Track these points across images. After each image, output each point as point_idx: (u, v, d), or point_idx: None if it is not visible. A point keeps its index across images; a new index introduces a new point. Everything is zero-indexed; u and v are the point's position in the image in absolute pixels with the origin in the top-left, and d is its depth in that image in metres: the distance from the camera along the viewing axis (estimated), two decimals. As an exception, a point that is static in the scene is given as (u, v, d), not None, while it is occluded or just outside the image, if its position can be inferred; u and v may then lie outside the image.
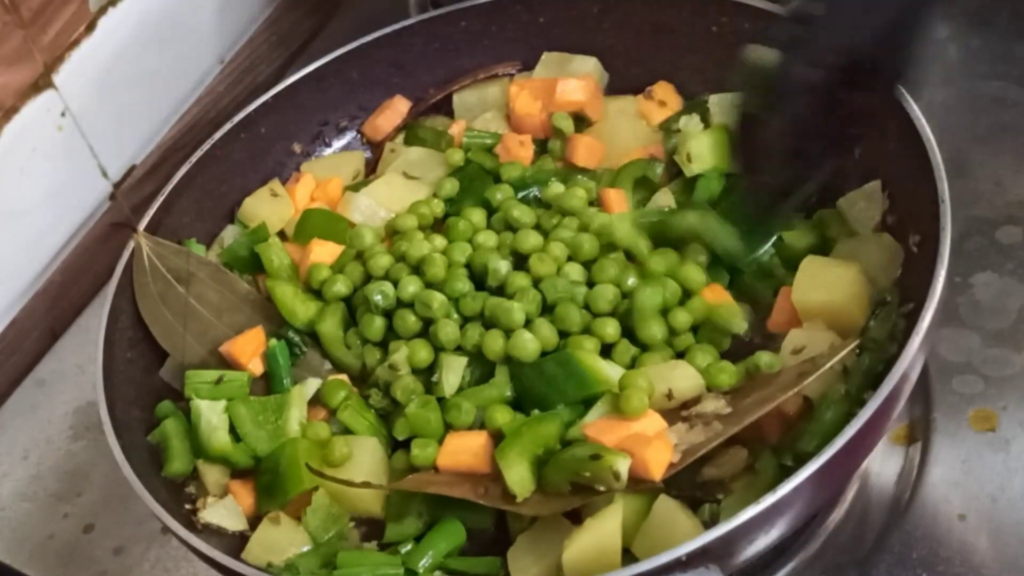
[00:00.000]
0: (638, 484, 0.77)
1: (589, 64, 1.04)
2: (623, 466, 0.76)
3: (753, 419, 0.78)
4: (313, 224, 1.00)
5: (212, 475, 0.89)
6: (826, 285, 0.85)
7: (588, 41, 1.05)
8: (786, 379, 0.80)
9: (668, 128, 1.01)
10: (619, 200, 0.96)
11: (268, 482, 0.87)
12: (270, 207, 1.03)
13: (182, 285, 0.95)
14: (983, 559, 0.83)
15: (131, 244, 0.96)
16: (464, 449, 0.83)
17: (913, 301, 0.81)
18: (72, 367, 1.10)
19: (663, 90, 1.03)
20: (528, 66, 1.07)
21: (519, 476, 0.79)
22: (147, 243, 0.96)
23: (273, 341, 0.92)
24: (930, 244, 0.80)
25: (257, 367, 0.92)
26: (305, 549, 0.84)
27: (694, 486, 0.80)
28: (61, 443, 1.05)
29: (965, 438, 0.89)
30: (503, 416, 0.83)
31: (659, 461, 0.76)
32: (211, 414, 0.89)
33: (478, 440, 0.83)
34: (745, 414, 0.78)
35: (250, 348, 0.92)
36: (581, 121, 1.03)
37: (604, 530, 0.76)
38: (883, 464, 0.90)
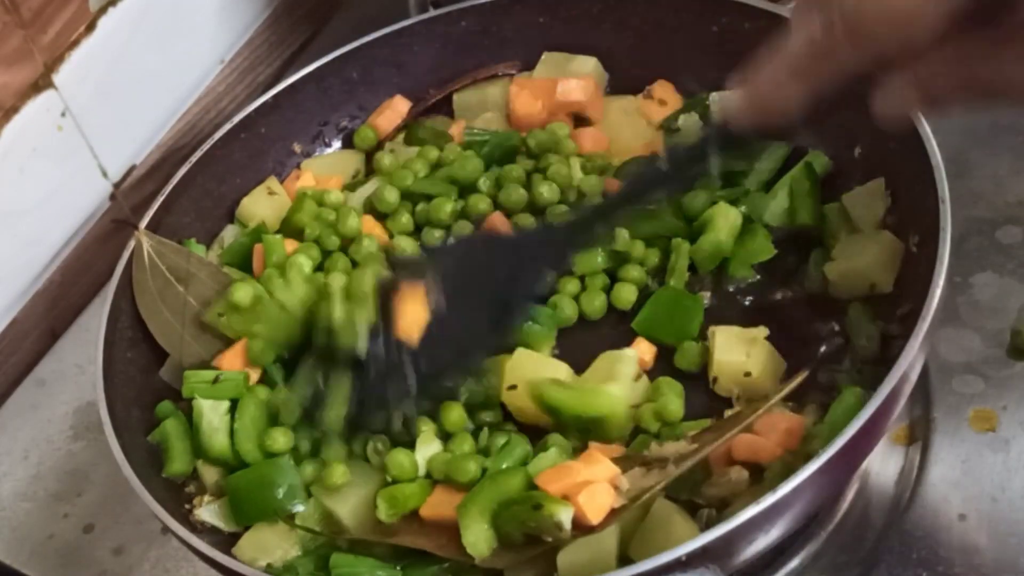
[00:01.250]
0: (583, 531, 0.76)
1: (589, 64, 1.04)
2: (565, 516, 0.75)
3: (701, 457, 0.77)
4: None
5: (211, 476, 0.89)
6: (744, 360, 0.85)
7: (588, 41, 1.05)
8: (742, 417, 0.79)
9: (668, 127, 1.01)
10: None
11: (244, 496, 0.86)
12: (268, 205, 1.03)
13: (181, 284, 0.95)
14: (983, 559, 0.83)
15: (131, 244, 0.96)
16: (449, 502, 0.81)
17: (913, 301, 0.81)
18: (72, 367, 1.10)
19: (663, 89, 1.03)
20: (528, 66, 1.07)
21: (475, 536, 0.77)
22: (148, 241, 0.96)
23: (268, 363, 0.91)
24: (930, 244, 0.80)
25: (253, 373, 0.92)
26: (296, 552, 0.84)
27: (695, 505, 0.79)
28: (61, 443, 1.05)
29: (965, 438, 0.89)
30: (473, 468, 0.82)
31: (596, 506, 0.75)
32: (213, 415, 0.88)
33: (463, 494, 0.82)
34: (697, 452, 0.77)
35: (239, 361, 0.91)
36: (582, 121, 1.03)
37: (600, 532, 0.76)
38: (883, 464, 0.90)
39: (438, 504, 0.82)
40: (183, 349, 0.93)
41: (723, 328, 0.87)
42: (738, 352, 0.85)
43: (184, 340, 0.93)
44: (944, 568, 0.83)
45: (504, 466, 0.82)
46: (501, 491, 0.78)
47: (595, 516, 0.75)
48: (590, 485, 0.76)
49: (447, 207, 0.97)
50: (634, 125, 1.02)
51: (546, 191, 0.96)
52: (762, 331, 0.86)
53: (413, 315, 0.84)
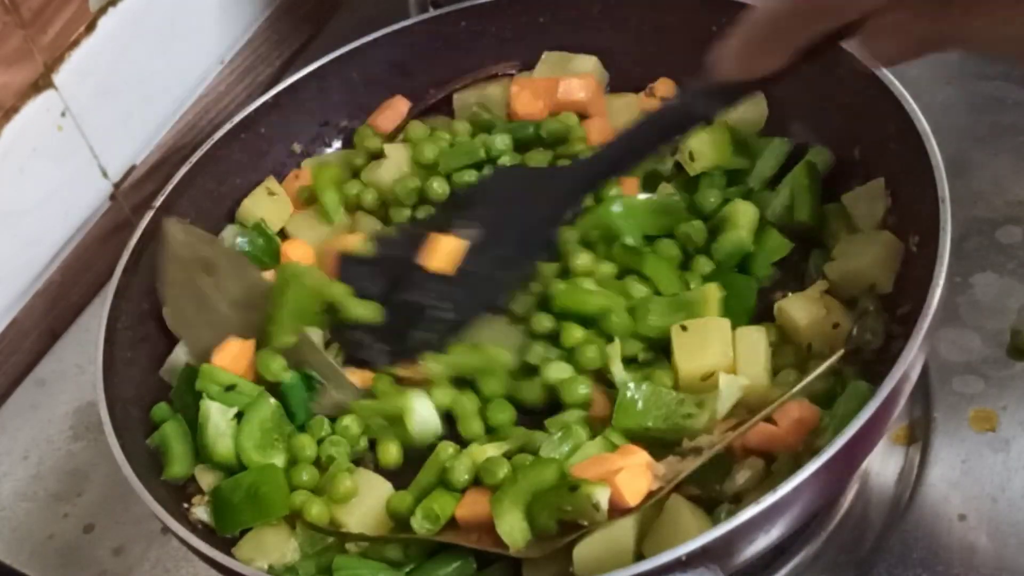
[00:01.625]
0: (620, 513, 0.76)
1: (590, 63, 1.04)
2: (602, 495, 0.75)
3: (731, 440, 0.78)
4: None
5: (207, 479, 0.88)
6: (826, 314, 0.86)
7: (588, 41, 1.05)
8: (767, 404, 0.80)
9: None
10: (631, 187, 0.97)
11: (235, 501, 0.85)
12: (268, 206, 1.02)
13: (206, 274, 0.95)
14: (983, 559, 0.83)
15: (130, 244, 0.96)
16: (483, 502, 0.81)
17: (913, 301, 0.81)
18: (72, 367, 1.10)
19: (664, 87, 1.02)
20: (528, 66, 1.07)
21: (510, 526, 0.78)
22: (177, 229, 0.95)
23: (289, 376, 0.90)
24: (930, 244, 0.80)
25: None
26: (295, 554, 0.84)
27: (714, 500, 0.79)
28: (61, 443, 1.05)
29: (965, 438, 0.89)
30: (500, 469, 0.82)
31: (633, 488, 0.76)
32: (220, 419, 0.88)
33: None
34: (726, 436, 0.79)
35: (229, 359, 0.91)
36: (582, 119, 1.03)
37: (617, 525, 0.76)
38: (883, 464, 0.90)
39: (472, 504, 0.82)
40: (198, 338, 0.93)
41: (787, 300, 0.87)
42: (817, 310, 0.86)
43: (200, 329, 0.93)
44: (944, 568, 0.83)
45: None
46: (535, 481, 0.78)
47: (633, 497, 0.76)
48: (627, 468, 0.77)
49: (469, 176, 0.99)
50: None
51: None
52: (822, 284, 0.87)
53: (446, 251, 0.92)
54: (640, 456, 0.79)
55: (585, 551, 0.76)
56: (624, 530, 0.76)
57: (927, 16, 0.61)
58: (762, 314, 0.89)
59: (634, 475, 0.77)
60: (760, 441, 0.80)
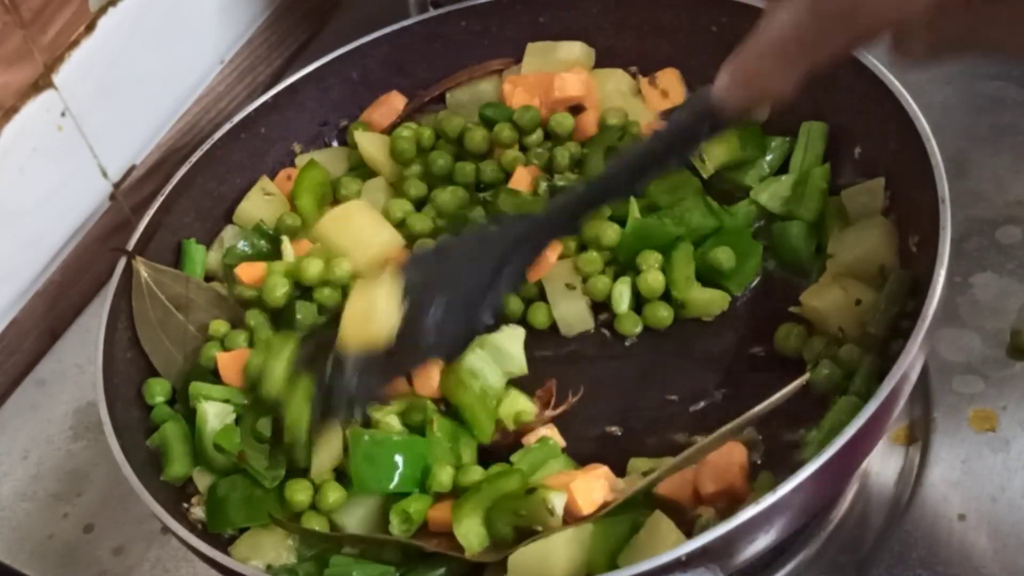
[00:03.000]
0: (573, 520, 0.77)
1: (575, 49, 1.04)
2: (559, 501, 0.76)
3: (689, 465, 0.78)
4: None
5: (204, 481, 0.88)
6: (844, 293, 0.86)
7: (588, 41, 1.05)
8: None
9: (666, 119, 1.00)
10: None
11: (229, 502, 0.86)
12: (265, 207, 1.02)
13: (181, 312, 0.94)
14: (983, 559, 0.83)
15: (131, 244, 0.96)
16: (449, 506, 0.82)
17: (912, 301, 0.81)
18: (72, 367, 1.10)
19: (668, 78, 1.02)
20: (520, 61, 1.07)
21: (466, 530, 0.78)
22: (145, 269, 0.95)
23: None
24: (930, 244, 0.80)
25: None
26: (290, 555, 0.84)
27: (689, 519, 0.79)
28: (61, 443, 1.05)
29: (965, 438, 0.89)
30: (462, 476, 0.83)
31: (589, 496, 0.77)
32: (216, 423, 0.88)
33: None
34: (689, 459, 0.79)
35: (235, 366, 0.91)
36: (577, 109, 1.03)
37: (552, 539, 0.76)
38: (883, 464, 0.90)
39: (443, 508, 0.82)
40: (178, 374, 0.93)
41: (805, 295, 0.88)
42: (835, 293, 0.86)
43: (183, 368, 0.93)
44: (944, 568, 0.83)
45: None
46: (497, 489, 0.80)
47: (587, 506, 0.77)
48: (583, 477, 0.78)
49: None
50: (631, 107, 1.02)
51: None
52: (832, 268, 0.88)
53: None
54: (601, 470, 0.80)
55: (520, 559, 0.76)
56: (559, 545, 0.76)
57: (958, 13, 0.54)
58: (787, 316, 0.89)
59: (591, 484, 0.78)
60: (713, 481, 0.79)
